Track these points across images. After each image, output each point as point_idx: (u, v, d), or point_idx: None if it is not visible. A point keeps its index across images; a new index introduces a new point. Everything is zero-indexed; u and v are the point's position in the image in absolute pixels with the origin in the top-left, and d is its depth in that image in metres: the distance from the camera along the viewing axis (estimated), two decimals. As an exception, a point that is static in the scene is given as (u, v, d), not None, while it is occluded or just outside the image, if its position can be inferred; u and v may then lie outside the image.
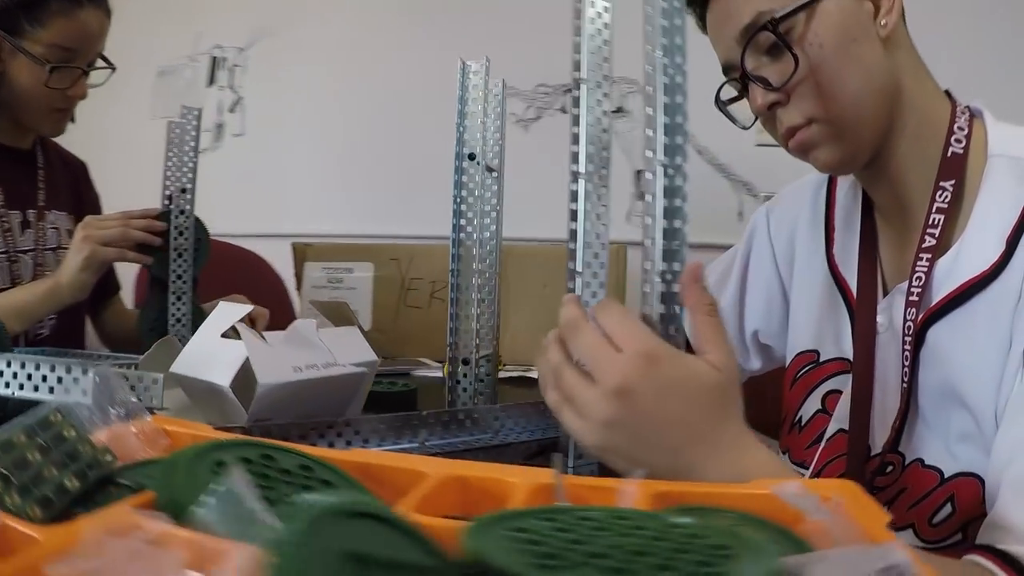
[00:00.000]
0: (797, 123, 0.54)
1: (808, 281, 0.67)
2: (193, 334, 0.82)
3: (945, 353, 0.50)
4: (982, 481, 0.47)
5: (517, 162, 1.93)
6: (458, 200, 0.67)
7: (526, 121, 1.94)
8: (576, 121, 0.48)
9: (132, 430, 0.34)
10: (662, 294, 0.44)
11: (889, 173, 0.56)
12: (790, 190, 0.77)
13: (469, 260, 0.67)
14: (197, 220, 0.86)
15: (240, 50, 1.79)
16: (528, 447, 0.58)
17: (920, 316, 0.51)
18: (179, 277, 0.83)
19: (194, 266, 0.84)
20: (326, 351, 0.54)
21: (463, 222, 0.67)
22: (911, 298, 0.52)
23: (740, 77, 0.57)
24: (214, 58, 1.80)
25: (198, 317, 0.87)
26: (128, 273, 1.12)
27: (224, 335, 0.55)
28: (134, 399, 0.36)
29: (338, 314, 0.65)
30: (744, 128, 0.63)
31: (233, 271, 1.45)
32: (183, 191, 0.84)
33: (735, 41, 0.55)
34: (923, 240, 0.52)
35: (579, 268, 0.46)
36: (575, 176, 0.48)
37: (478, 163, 0.68)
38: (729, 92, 0.62)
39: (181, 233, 0.83)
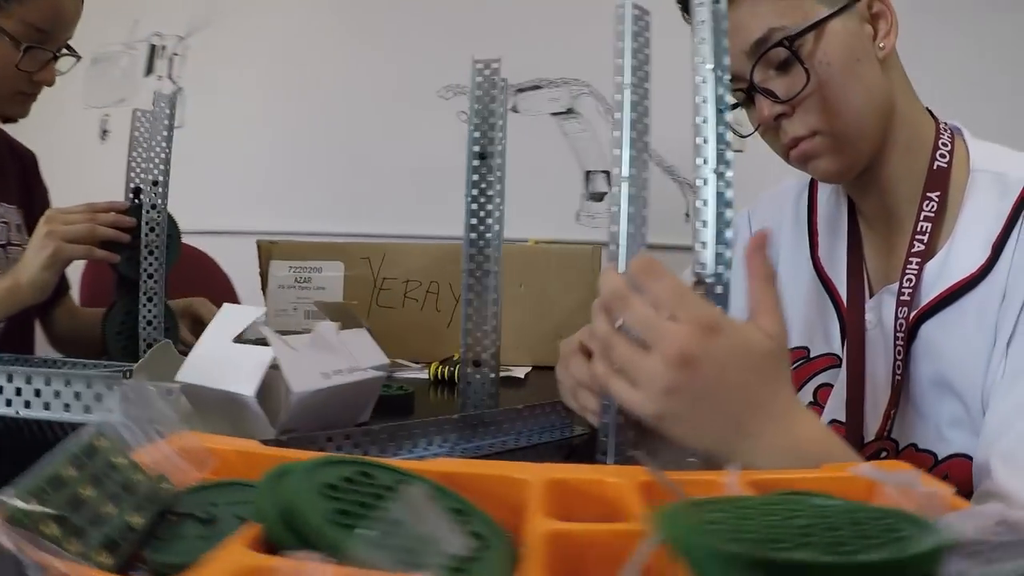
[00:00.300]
0: (801, 134, 0.58)
1: (793, 282, 0.71)
2: (163, 337, 0.78)
3: (937, 347, 0.55)
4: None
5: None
6: (472, 198, 0.67)
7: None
8: (618, 126, 0.48)
9: (173, 449, 0.31)
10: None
11: (880, 183, 0.61)
12: (769, 195, 0.82)
13: (480, 260, 0.67)
14: (168, 216, 0.81)
15: (180, 38, 1.69)
16: (554, 448, 0.58)
17: (912, 314, 0.56)
18: (150, 276, 0.78)
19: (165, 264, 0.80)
20: (348, 355, 0.53)
21: (475, 221, 0.67)
22: (902, 298, 0.57)
23: (746, 88, 0.60)
24: (152, 46, 1.69)
25: (170, 320, 0.83)
26: (73, 269, 1.04)
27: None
28: (170, 414, 0.34)
29: (345, 315, 0.63)
30: (742, 136, 0.66)
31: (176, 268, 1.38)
32: (155, 183, 0.79)
33: (744, 54, 0.58)
34: (912, 245, 0.57)
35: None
36: (616, 179, 0.49)
37: (490, 162, 0.68)
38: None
39: (152, 229, 0.79)
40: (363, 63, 1.97)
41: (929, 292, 0.56)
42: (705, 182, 0.46)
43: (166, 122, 0.79)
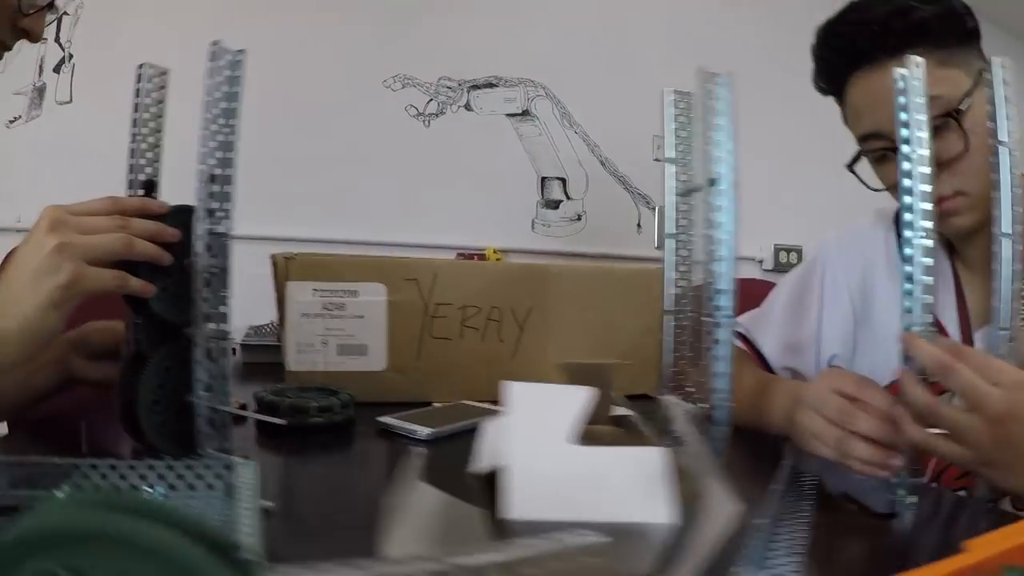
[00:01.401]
0: (946, 194, 0.66)
1: (895, 319, 0.71)
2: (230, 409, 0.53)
3: None
4: None
5: (417, 160, 1.71)
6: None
7: (427, 116, 1.73)
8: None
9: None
10: None
11: (987, 234, 0.64)
12: (854, 233, 0.91)
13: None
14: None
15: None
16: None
17: None
18: (209, 319, 0.53)
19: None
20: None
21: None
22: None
23: (889, 147, 0.69)
24: None
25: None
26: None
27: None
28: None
29: (600, 379, 0.45)
30: (874, 191, 0.79)
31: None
32: (212, 178, 0.54)
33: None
34: None
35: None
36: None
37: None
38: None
39: (210, 248, 0.53)
40: (278, 33, 1.67)
41: None
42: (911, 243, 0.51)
43: (228, 88, 0.53)
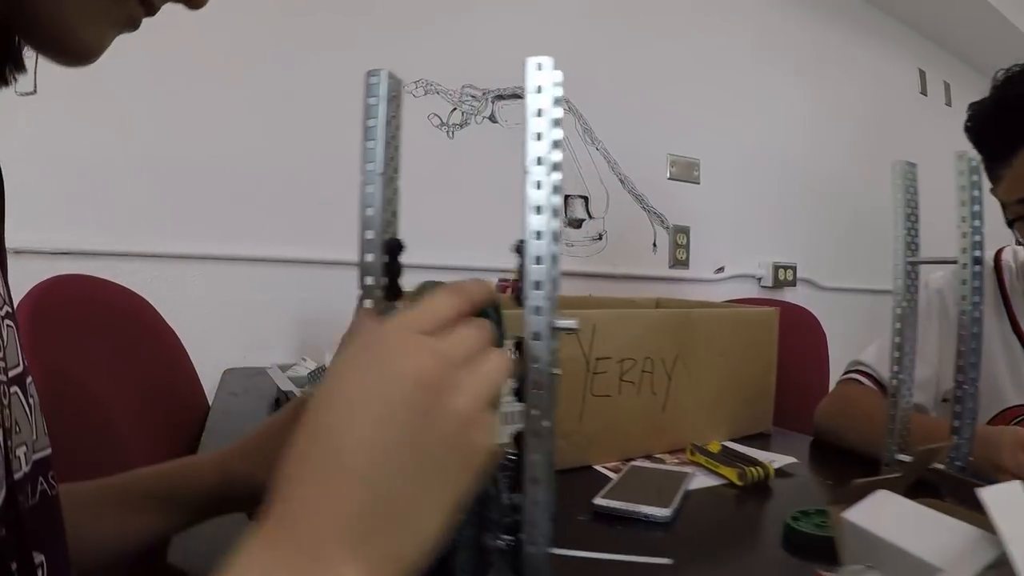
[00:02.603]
0: None
1: (998, 350, 0.89)
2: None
3: None
4: None
5: (440, 174, 1.60)
6: None
7: (450, 127, 1.61)
8: None
9: None
10: None
11: None
12: (953, 272, 0.99)
13: None
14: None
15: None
16: None
17: None
18: (537, 436, 0.42)
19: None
20: None
21: None
22: None
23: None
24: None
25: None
26: None
27: None
28: None
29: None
30: None
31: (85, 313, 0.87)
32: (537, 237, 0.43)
33: None
34: None
35: None
36: None
37: None
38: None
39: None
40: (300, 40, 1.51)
41: None
42: None
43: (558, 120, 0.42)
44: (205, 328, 1.37)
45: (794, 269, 2.17)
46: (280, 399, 1.09)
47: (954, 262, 0.60)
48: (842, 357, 1.60)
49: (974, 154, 0.64)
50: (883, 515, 0.43)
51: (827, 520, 0.59)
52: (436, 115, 1.59)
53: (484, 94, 1.65)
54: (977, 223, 0.60)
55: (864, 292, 2.50)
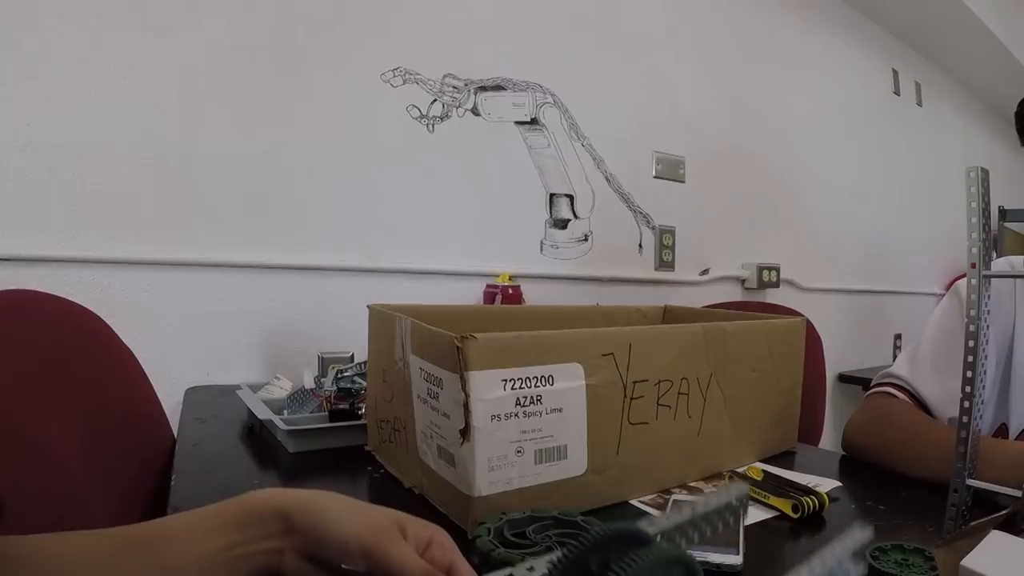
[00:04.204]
0: None
1: None
2: None
3: None
4: None
5: (420, 171, 1.49)
6: None
7: (431, 120, 1.50)
8: None
9: None
10: None
11: None
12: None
13: None
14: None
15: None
16: None
17: None
18: None
19: None
20: None
21: None
22: None
23: None
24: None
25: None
26: None
27: None
28: None
29: None
30: None
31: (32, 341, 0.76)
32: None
33: None
34: None
35: None
36: None
37: None
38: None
39: None
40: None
41: None
42: None
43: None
44: (163, 343, 1.22)
45: (777, 270, 2.14)
46: (255, 425, 0.97)
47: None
48: (829, 353, 1.57)
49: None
50: (1007, 561, 0.37)
51: (906, 559, 0.53)
52: (415, 106, 1.48)
53: (466, 85, 1.54)
54: (984, 235, 0.56)
55: (842, 292, 2.50)
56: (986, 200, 0.62)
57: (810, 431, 1.43)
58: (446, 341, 0.60)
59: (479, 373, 0.59)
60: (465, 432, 0.59)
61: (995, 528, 0.44)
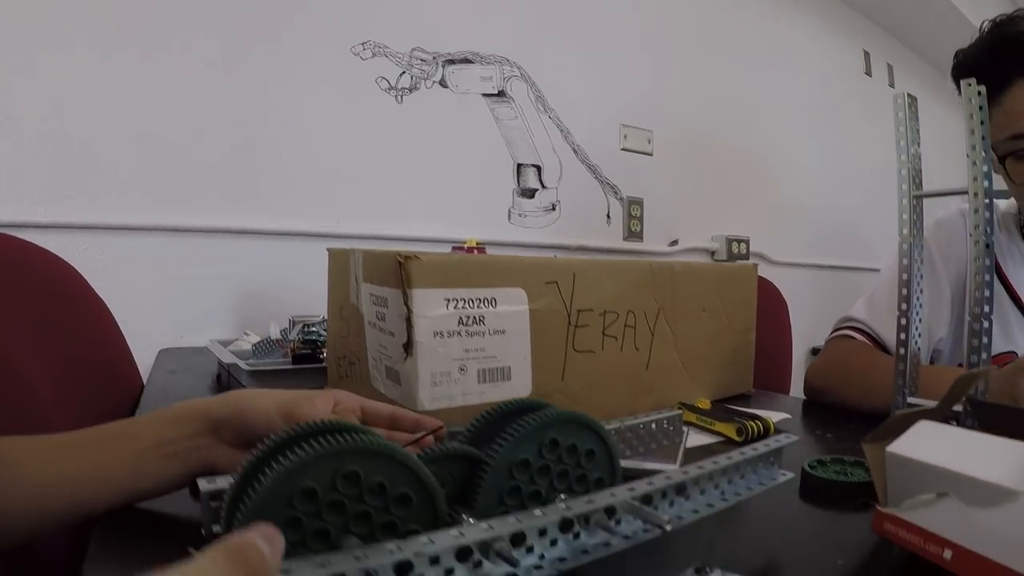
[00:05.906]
0: None
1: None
2: None
3: None
4: None
5: (389, 140, 1.51)
6: None
7: (399, 91, 1.52)
8: None
9: None
10: None
11: None
12: (945, 227, 0.99)
13: None
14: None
15: None
16: None
17: None
18: None
19: None
20: None
21: None
22: None
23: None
24: None
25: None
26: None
27: None
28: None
29: None
30: (1017, 184, 0.85)
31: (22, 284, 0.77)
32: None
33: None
34: None
35: None
36: None
37: None
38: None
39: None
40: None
41: None
42: None
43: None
44: (137, 305, 1.24)
45: (747, 243, 2.17)
46: (222, 374, 0.99)
47: (964, 192, 0.57)
48: (799, 327, 1.60)
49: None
50: (933, 445, 0.38)
51: (844, 469, 0.55)
52: (384, 78, 1.50)
53: (435, 58, 1.56)
54: (984, 153, 0.57)
55: (814, 267, 2.54)
56: (914, 126, 0.65)
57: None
58: (391, 260, 0.62)
59: (422, 291, 0.61)
60: (408, 347, 0.61)
61: (922, 419, 0.45)
